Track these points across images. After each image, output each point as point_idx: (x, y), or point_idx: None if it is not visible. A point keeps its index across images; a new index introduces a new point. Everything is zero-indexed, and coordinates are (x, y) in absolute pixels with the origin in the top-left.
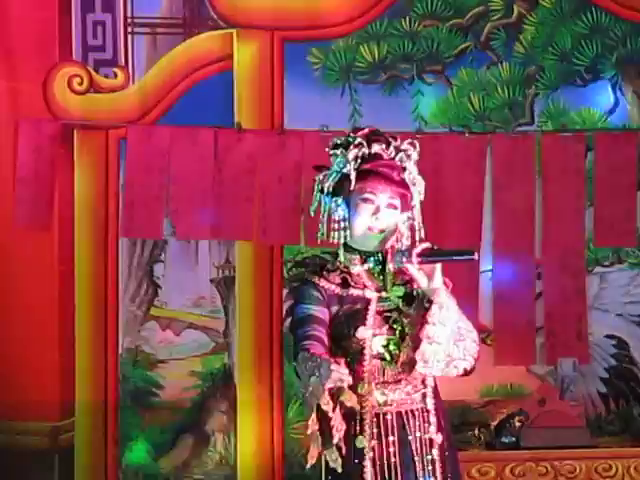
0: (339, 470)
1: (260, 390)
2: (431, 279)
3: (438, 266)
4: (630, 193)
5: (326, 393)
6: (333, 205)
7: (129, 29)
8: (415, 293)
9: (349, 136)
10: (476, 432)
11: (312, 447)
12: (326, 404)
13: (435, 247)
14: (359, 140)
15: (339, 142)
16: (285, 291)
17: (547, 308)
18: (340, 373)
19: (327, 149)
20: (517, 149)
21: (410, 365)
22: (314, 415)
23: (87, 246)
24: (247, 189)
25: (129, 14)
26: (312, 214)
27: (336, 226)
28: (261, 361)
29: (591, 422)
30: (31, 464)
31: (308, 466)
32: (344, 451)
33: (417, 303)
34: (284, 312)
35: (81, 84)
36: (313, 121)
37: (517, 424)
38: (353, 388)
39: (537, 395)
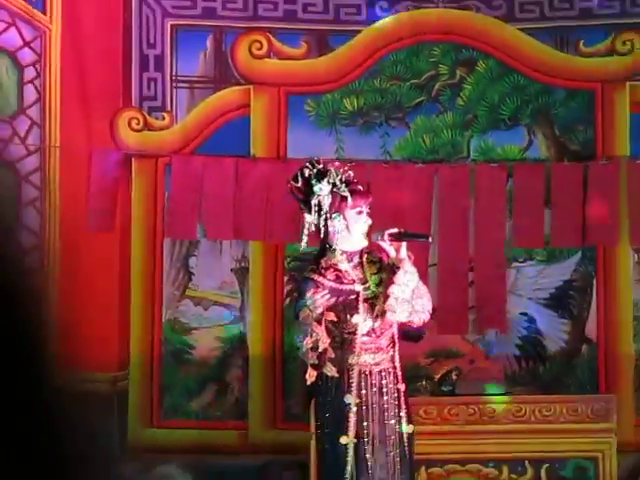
0: (335, 375)
1: (266, 350)
2: (398, 252)
3: (404, 243)
4: (540, 209)
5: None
6: (337, 217)
7: (174, 84)
8: (386, 267)
9: (318, 169)
10: (423, 383)
11: (310, 368)
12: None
13: (402, 230)
14: (332, 171)
15: (314, 173)
16: (285, 278)
17: (477, 292)
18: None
19: (304, 175)
20: (457, 176)
21: (385, 334)
22: (309, 339)
23: (140, 244)
24: (259, 202)
25: (174, 73)
26: (305, 236)
27: (336, 234)
28: (267, 329)
29: (508, 376)
30: (95, 405)
31: (308, 383)
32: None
33: (387, 269)
34: (284, 293)
35: (138, 124)
36: (308, 153)
37: (454, 377)
38: (346, 357)
39: (468, 356)
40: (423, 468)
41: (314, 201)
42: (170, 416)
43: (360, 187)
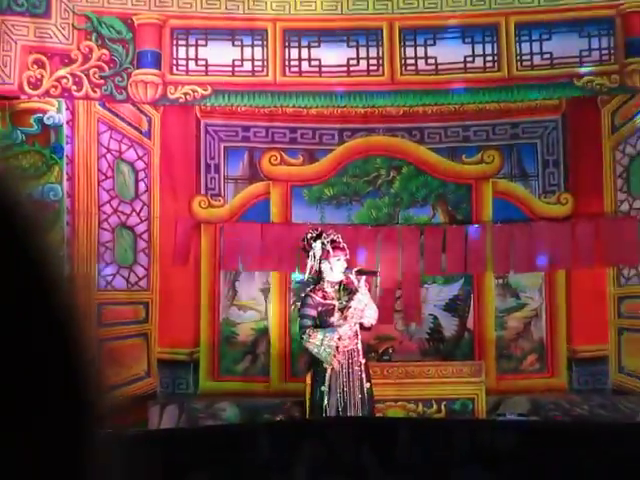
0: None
1: (279, 336)
2: (359, 282)
3: (363, 277)
4: (439, 252)
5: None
6: (325, 262)
7: (225, 180)
8: (353, 290)
9: (317, 234)
10: (372, 355)
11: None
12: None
13: (362, 269)
14: (324, 235)
15: (314, 236)
16: (291, 294)
17: (403, 301)
18: (332, 335)
19: (307, 238)
20: (391, 234)
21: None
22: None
23: (206, 273)
24: (275, 249)
25: (225, 174)
26: (310, 270)
27: (324, 272)
28: (280, 324)
29: (422, 351)
30: (178, 369)
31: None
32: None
33: (353, 292)
34: (291, 302)
35: (205, 204)
36: (303, 220)
37: (390, 351)
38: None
39: (398, 339)
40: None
41: (311, 253)
42: (224, 374)
43: (341, 245)
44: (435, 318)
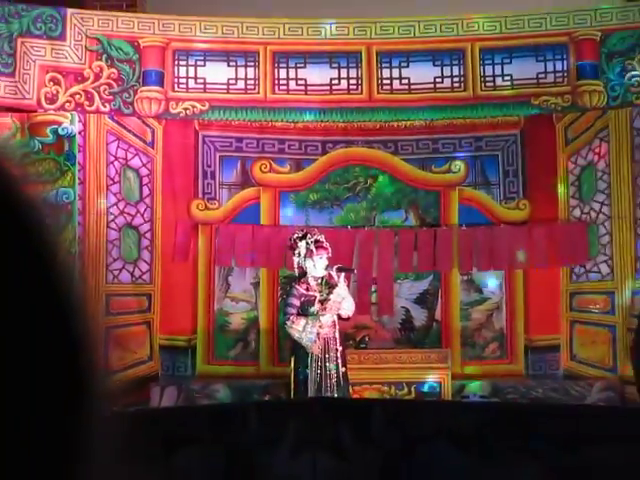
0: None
1: (268, 325)
2: (338, 278)
3: (342, 273)
4: (411, 251)
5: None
6: (308, 260)
7: (220, 186)
8: (333, 285)
9: (303, 235)
10: (351, 342)
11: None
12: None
13: (341, 266)
14: (308, 236)
15: (299, 237)
16: (279, 288)
17: (378, 295)
18: (314, 323)
19: (294, 238)
20: (368, 235)
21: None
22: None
23: (203, 268)
24: (264, 248)
25: (220, 180)
26: (296, 267)
27: (308, 268)
28: (269, 314)
29: (395, 340)
30: (177, 354)
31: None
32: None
33: (333, 287)
34: (278, 295)
35: (202, 207)
36: (291, 222)
37: (366, 339)
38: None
39: (374, 328)
40: (350, 387)
41: (297, 251)
42: (218, 359)
43: (324, 244)
44: (407, 310)
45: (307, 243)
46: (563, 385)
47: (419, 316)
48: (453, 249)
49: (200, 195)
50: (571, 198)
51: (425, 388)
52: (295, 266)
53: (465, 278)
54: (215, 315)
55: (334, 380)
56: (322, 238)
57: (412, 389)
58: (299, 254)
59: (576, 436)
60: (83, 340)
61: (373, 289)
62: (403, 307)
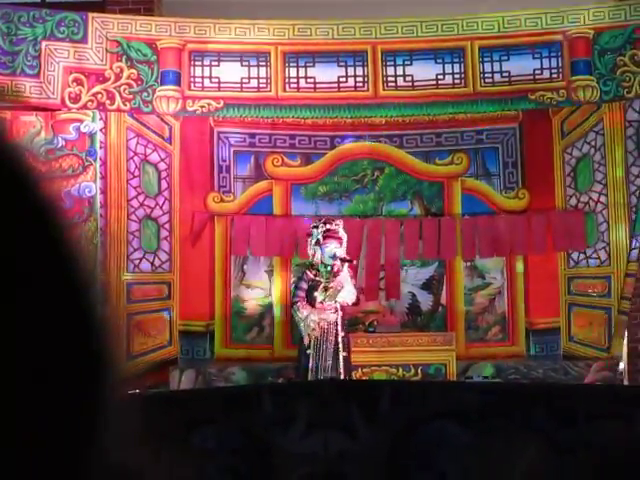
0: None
1: (282, 311)
2: (343, 266)
3: (346, 263)
4: (416, 240)
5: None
6: (317, 248)
7: (235, 180)
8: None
9: (317, 224)
10: (360, 326)
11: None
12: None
13: (342, 256)
14: (320, 225)
15: (314, 226)
16: (291, 275)
17: (386, 280)
18: (316, 316)
19: (312, 226)
20: (375, 225)
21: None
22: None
23: (220, 257)
24: (277, 237)
25: (235, 174)
26: (310, 254)
27: (318, 256)
28: (282, 300)
29: (402, 324)
30: (196, 339)
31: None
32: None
33: (336, 276)
34: (291, 281)
35: (218, 200)
36: (302, 213)
37: (375, 323)
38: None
39: (382, 313)
40: (360, 369)
41: (310, 239)
42: (235, 342)
43: (337, 234)
44: (413, 295)
45: (317, 233)
46: (562, 365)
47: (425, 301)
48: (457, 237)
49: (216, 188)
50: (567, 188)
51: (431, 370)
52: (309, 252)
53: (468, 264)
54: (232, 301)
55: (327, 363)
56: (337, 227)
57: (419, 371)
58: (311, 242)
59: (574, 413)
60: (102, 328)
61: (381, 275)
62: (410, 292)
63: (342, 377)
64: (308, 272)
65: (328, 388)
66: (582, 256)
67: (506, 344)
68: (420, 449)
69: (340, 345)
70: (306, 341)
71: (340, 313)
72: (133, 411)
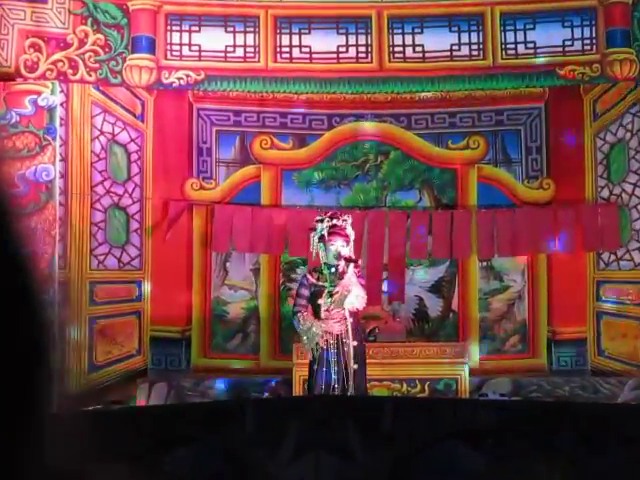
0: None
1: (269, 315)
2: (348, 267)
3: (351, 264)
4: (425, 237)
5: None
6: (321, 246)
7: (217, 164)
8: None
9: (322, 217)
10: (363, 335)
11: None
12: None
13: (349, 256)
14: (326, 219)
15: (319, 219)
16: (280, 275)
17: (390, 282)
18: (320, 328)
19: (315, 220)
20: (378, 217)
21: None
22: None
23: (198, 254)
24: (264, 230)
25: (217, 157)
26: (313, 252)
27: (323, 255)
28: (270, 303)
29: (407, 331)
30: (170, 346)
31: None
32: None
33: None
34: (280, 282)
35: (197, 187)
36: (294, 204)
37: (376, 331)
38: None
39: (384, 319)
40: (367, 386)
41: (313, 235)
42: (215, 351)
43: (344, 231)
44: (420, 299)
45: (321, 229)
46: (592, 382)
47: (434, 306)
48: (471, 233)
49: (195, 173)
50: (599, 178)
51: (440, 385)
52: (312, 250)
53: (484, 264)
54: (212, 304)
55: (338, 377)
56: (344, 224)
57: (426, 386)
58: (313, 240)
59: (606, 437)
60: (43, 334)
61: (384, 276)
62: (416, 296)
63: (350, 393)
64: (309, 276)
65: (321, 405)
66: (613, 257)
67: (526, 356)
68: (426, 476)
69: (351, 357)
70: (310, 355)
71: (350, 320)
72: (81, 426)
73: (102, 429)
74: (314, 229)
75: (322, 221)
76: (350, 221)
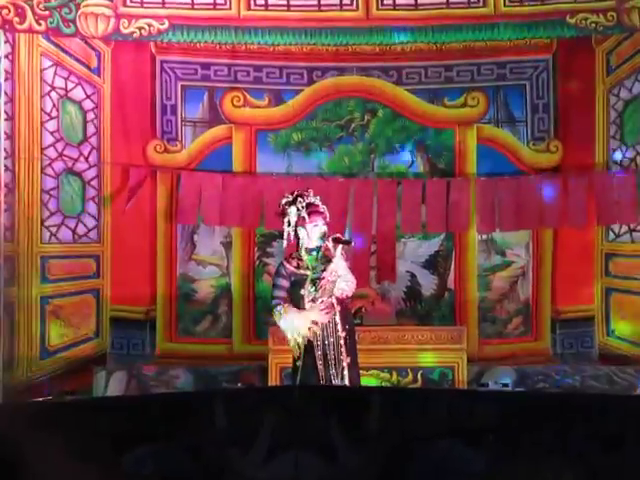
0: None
1: (242, 294)
2: (336, 249)
3: (340, 246)
4: (418, 207)
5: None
6: (300, 229)
7: (183, 123)
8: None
9: (292, 198)
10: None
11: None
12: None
13: (339, 236)
14: (299, 200)
15: (288, 202)
16: (255, 249)
17: (378, 256)
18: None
19: (282, 203)
20: (365, 186)
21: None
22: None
23: (163, 226)
24: (236, 200)
25: (183, 116)
26: (288, 239)
27: (302, 239)
28: (243, 281)
29: (397, 313)
30: (132, 329)
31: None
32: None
33: (328, 262)
34: (255, 257)
35: (160, 149)
36: (270, 169)
37: (362, 311)
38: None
39: (372, 298)
40: (359, 378)
41: (286, 219)
42: (182, 335)
43: (320, 208)
44: (413, 275)
45: (297, 209)
46: (605, 371)
47: (427, 283)
48: (470, 203)
49: (158, 134)
50: (612, 139)
51: (435, 375)
52: (285, 238)
53: (484, 237)
54: (178, 282)
55: (330, 373)
56: (317, 201)
57: (418, 375)
58: (289, 223)
59: (621, 433)
60: None
61: (372, 250)
62: (408, 272)
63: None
64: (286, 264)
65: (299, 396)
66: (625, 228)
67: (529, 339)
68: (419, 476)
69: (343, 350)
70: (295, 352)
71: (338, 308)
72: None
73: (53, 423)
74: (284, 214)
75: (293, 202)
76: (319, 198)
